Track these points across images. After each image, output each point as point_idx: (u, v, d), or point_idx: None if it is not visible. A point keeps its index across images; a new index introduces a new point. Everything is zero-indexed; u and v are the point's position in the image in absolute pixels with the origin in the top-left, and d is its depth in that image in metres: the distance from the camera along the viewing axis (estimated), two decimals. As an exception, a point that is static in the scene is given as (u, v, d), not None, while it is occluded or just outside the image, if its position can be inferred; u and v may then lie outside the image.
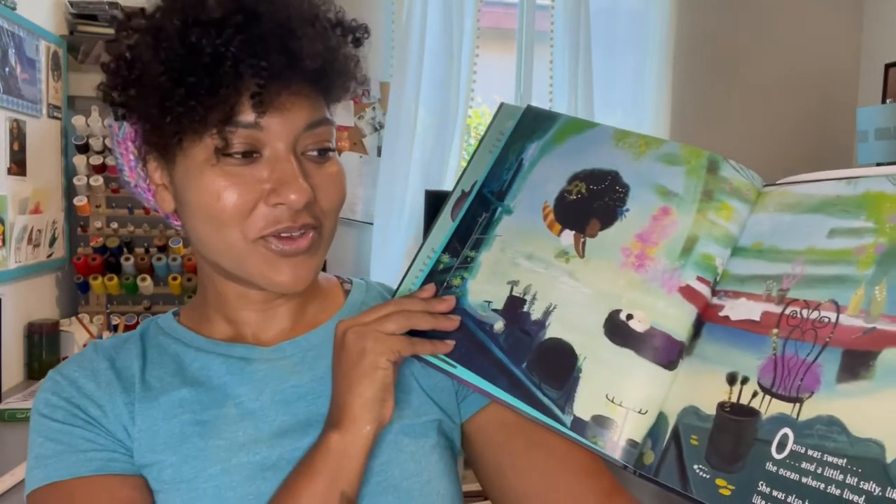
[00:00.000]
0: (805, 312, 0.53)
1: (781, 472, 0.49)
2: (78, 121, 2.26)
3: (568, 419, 0.60)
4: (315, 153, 0.66)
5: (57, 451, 0.65)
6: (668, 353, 0.59)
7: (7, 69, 1.90)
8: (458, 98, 2.77)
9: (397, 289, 0.72)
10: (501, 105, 0.76)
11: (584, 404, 0.60)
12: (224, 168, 0.63)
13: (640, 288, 0.60)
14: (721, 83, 3.05)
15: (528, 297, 0.65)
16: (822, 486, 0.47)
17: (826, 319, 0.51)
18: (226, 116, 0.60)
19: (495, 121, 0.75)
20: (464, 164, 3.24)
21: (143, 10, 0.64)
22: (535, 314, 0.64)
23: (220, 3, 0.60)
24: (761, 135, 3.05)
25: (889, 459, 0.45)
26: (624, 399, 0.58)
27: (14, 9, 1.92)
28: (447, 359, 0.66)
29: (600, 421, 0.59)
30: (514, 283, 0.66)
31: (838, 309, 0.51)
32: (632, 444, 0.58)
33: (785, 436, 0.50)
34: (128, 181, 0.72)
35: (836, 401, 0.48)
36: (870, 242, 0.51)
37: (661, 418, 0.58)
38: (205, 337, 0.72)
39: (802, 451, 0.49)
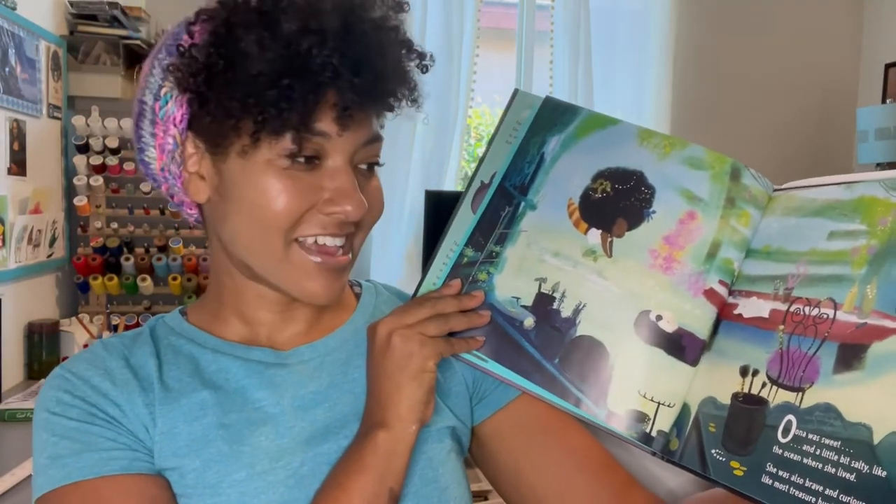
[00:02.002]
0: (807, 309, 0.57)
1: (786, 454, 0.54)
2: (78, 121, 2.26)
3: (602, 413, 0.63)
4: (366, 167, 0.67)
5: (75, 449, 0.63)
6: (693, 351, 0.63)
7: (7, 69, 1.90)
8: (458, 98, 2.77)
9: (421, 282, 0.72)
10: (516, 92, 0.75)
11: (618, 399, 0.63)
12: (287, 171, 0.63)
13: (669, 290, 0.64)
14: (721, 83, 3.05)
15: (556, 295, 0.67)
16: (820, 465, 0.52)
17: (825, 316, 0.56)
18: (304, 123, 0.60)
19: (511, 109, 0.74)
20: (464, 165, 3.21)
21: (246, 1, 0.61)
22: (565, 312, 0.66)
23: (330, 15, 0.60)
24: (761, 135, 3.05)
25: (876, 441, 0.49)
26: (655, 394, 0.63)
27: (14, 9, 1.92)
28: (479, 353, 0.68)
29: (634, 415, 0.63)
30: (542, 280, 0.67)
31: (835, 306, 0.55)
32: (661, 434, 0.62)
33: (789, 422, 0.55)
34: (147, 162, 0.69)
35: (832, 389, 0.53)
36: (863, 244, 0.56)
37: (684, 409, 0.62)
38: (219, 338, 0.71)
39: (804, 435, 0.54)
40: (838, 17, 3.14)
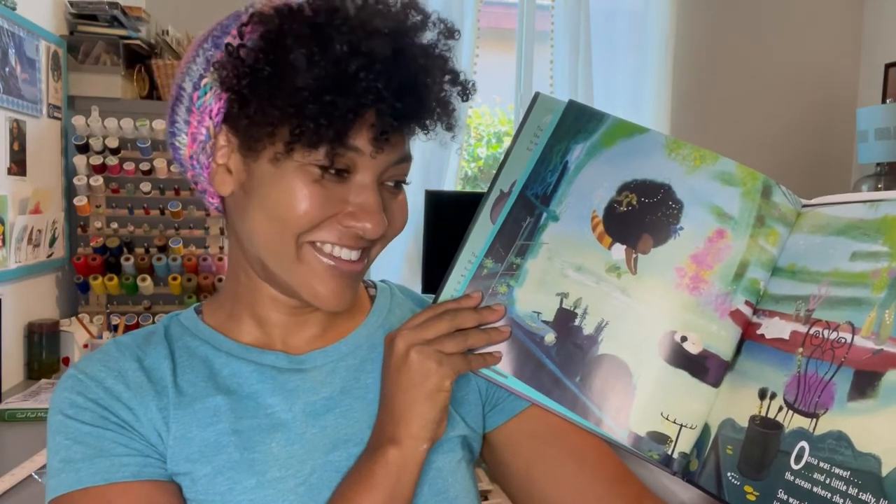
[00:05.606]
0: (826, 333, 0.56)
1: (797, 481, 0.53)
2: (78, 121, 2.26)
3: (624, 434, 0.62)
4: (393, 184, 0.67)
5: (87, 454, 0.63)
6: (716, 373, 0.62)
7: (7, 69, 1.90)
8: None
9: (439, 293, 0.70)
10: (537, 96, 0.72)
11: (640, 420, 0.62)
12: (316, 179, 0.63)
13: (695, 310, 0.62)
14: (721, 83, 3.05)
15: (578, 311, 0.65)
16: (829, 495, 0.51)
17: (843, 340, 0.54)
18: (339, 139, 0.61)
19: (532, 114, 0.71)
20: (464, 164, 3.21)
21: (301, 10, 0.61)
22: (587, 329, 0.64)
23: (382, 38, 0.60)
24: (761, 135, 3.05)
25: (884, 473, 0.48)
26: (677, 416, 0.62)
27: (14, 9, 1.92)
28: (498, 369, 0.67)
29: (656, 436, 0.62)
30: (563, 296, 0.66)
31: (854, 330, 0.54)
32: (682, 455, 0.62)
33: (802, 448, 0.54)
34: (177, 147, 0.69)
35: (845, 417, 0.52)
36: (884, 266, 0.54)
37: (705, 429, 0.62)
38: (234, 340, 0.71)
39: (815, 462, 0.53)
40: (838, 17, 3.15)
